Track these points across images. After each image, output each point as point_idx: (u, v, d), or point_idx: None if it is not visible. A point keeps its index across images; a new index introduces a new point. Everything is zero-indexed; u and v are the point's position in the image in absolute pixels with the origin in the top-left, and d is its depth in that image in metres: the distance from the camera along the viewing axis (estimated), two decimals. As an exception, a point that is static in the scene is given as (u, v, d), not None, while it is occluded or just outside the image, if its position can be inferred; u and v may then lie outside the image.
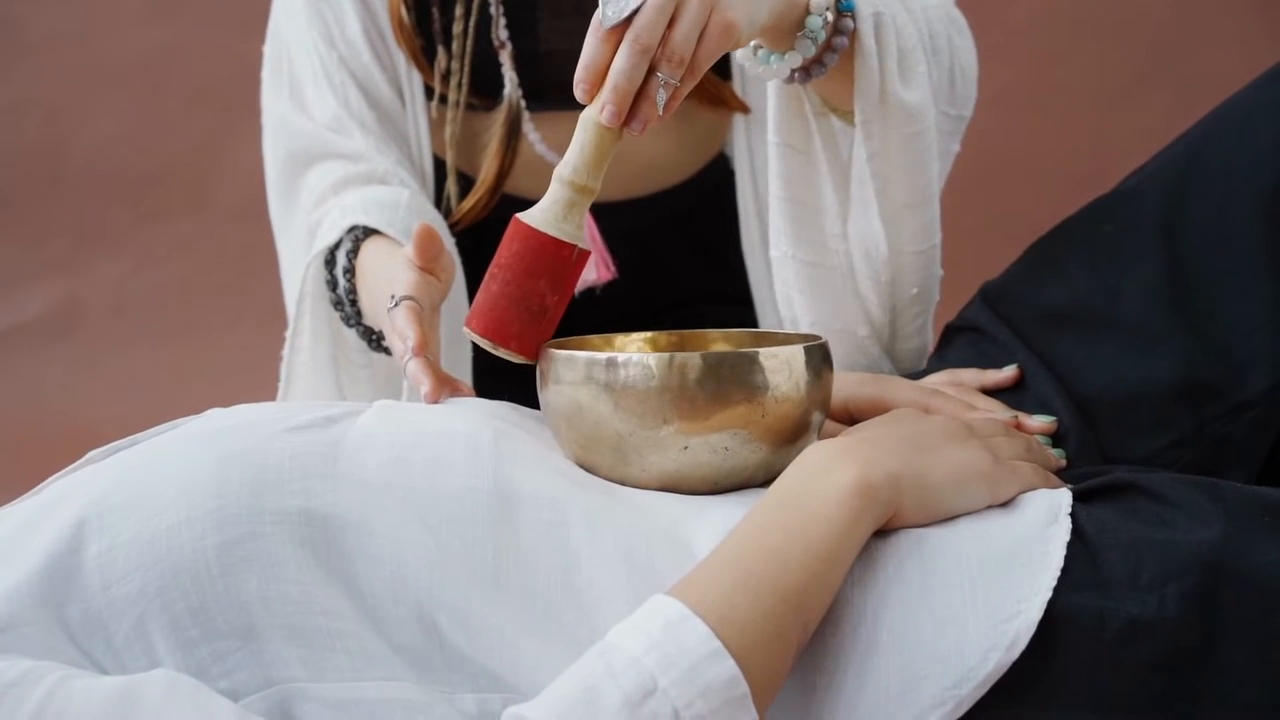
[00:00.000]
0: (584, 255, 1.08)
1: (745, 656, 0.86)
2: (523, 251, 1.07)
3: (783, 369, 1.03)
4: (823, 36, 1.15)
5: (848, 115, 1.25)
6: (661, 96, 1.04)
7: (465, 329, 1.09)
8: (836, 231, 1.31)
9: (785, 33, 1.15)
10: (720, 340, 1.20)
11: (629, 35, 1.02)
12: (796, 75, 1.19)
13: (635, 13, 1.02)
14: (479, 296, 1.09)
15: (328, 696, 0.92)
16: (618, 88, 1.03)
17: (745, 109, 1.58)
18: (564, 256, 1.07)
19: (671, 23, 1.02)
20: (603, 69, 1.04)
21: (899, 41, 1.20)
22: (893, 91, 1.20)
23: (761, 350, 1.02)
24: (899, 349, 1.38)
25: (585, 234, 1.09)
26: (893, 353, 1.38)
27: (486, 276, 1.09)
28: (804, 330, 1.37)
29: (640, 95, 1.04)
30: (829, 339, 1.34)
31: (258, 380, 1.87)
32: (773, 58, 1.17)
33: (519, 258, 1.07)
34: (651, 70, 1.03)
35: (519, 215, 1.08)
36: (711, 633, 0.86)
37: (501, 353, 1.08)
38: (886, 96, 1.20)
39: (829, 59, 1.17)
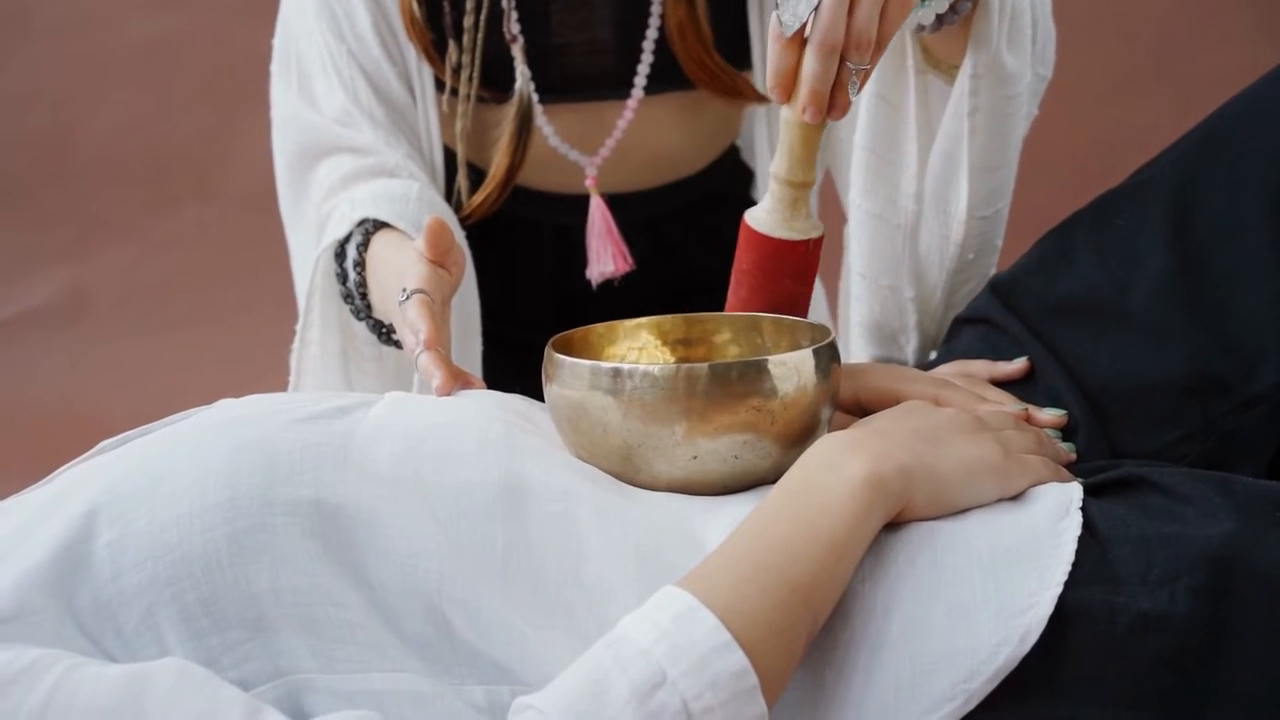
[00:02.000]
0: (818, 242, 1.13)
1: (755, 648, 0.86)
2: (762, 258, 1.13)
3: (791, 375, 1.02)
4: None
5: (948, 72, 1.26)
6: (854, 84, 1.06)
7: None
8: (910, 190, 1.32)
9: None
10: (724, 325, 1.20)
11: (815, 40, 1.04)
12: (929, 24, 1.19)
13: (813, 12, 1.03)
14: (731, 301, 1.16)
15: (337, 688, 0.92)
16: (815, 91, 1.06)
17: (763, 99, 1.58)
18: (800, 253, 1.12)
19: (851, 11, 1.04)
20: (792, 73, 1.07)
21: (1014, 3, 1.21)
22: (1000, 53, 1.21)
23: (770, 358, 1.02)
24: (949, 315, 1.38)
25: (814, 221, 1.13)
26: (940, 320, 1.39)
27: (733, 282, 1.15)
28: (854, 279, 1.39)
29: (835, 87, 1.06)
30: (875, 293, 1.35)
31: (264, 370, 1.88)
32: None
33: (759, 265, 1.13)
34: (841, 59, 1.05)
35: (748, 220, 1.13)
36: (721, 624, 0.86)
37: None
38: (994, 57, 1.21)
39: (962, 7, 1.18)
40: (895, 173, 1.32)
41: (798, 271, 1.13)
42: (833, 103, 1.07)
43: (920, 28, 1.19)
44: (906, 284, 1.35)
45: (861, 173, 1.34)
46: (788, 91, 1.07)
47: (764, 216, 1.12)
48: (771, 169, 1.11)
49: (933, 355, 1.38)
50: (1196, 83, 2.21)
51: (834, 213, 1.56)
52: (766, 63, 1.07)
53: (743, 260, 1.14)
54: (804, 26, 1.04)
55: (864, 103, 1.31)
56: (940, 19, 1.19)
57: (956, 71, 1.23)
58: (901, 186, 1.32)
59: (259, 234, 2.21)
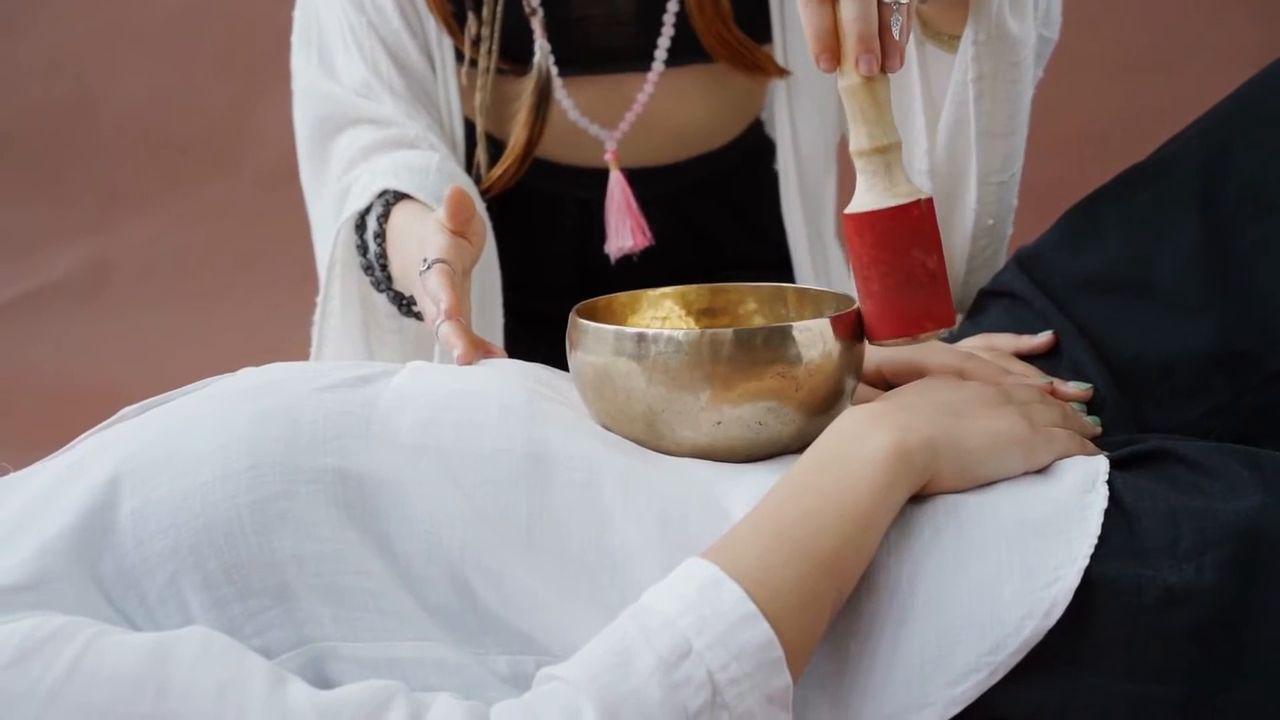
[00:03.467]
0: (929, 203, 1.04)
1: (780, 620, 0.86)
2: (878, 240, 1.03)
3: (816, 341, 1.02)
4: None
5: (949, 42, 1.23)
6: (897, 21, 1.00)
7: (874, 344, 1.06)
8: (923, 167, 1.30)
9: None
10: (749, 296, 1.19)
11: None
12: None
13: None
14: (867, 307, 1.05)
15: (360, 656, 0.92)
16: (864, 36, 1.00)
17: (783, 73, 1.57)
18: (915, 217, 1.03)
19: None
20: (832, 31, 1.01)
21: None
22: (1002, 18, 1.18)
23: (795, 324, 1.01)
24: (970, 280, 1.37)
25: (914, 184, 1.05)
26: (963, 286, 1.37)
27: (859, 283, 1.05)
28: None
29: (879, 34, 1.01)
30: None
31: (284, 343, 1.88)
32: None
33: (878, 247, 1.03)
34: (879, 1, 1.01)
35: (849, 212, 1.05)
36: (746, 596, 0.86)
37: (925, 338, 1.05)
38: (997, 22, 1.19)
39: None
40: (907, 149, 1.30)
41: (921, 239, 1.03)
42: (884, 50, 1.01)
43: None
44: None
45: None
46: (834, 54, 1.01)
47: (864, 197, 1.04)
48: (852, 148, 1.05)
49: (956, 329, 1.37)
50: (1216, 59, 2.20)
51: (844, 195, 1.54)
52: (804, 30, 1.02)
53: (861, 253, 1.04)
54: None
55: None
56: None
57: (957, 41, 1.21)
58: (914, 163, 1.31)
59: (280, 208, 2.21)
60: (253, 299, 2.58)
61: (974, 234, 1.33)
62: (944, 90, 1.26)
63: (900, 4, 1.00)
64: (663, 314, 1.19)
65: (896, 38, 1.01)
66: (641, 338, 1.01)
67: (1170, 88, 2.36)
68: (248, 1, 2.59)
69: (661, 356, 1.00)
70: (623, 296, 1.17)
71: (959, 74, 1.23)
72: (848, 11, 1.00)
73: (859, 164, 1.04)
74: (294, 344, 1.62)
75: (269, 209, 2.49)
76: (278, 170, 2.09)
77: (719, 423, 1.01)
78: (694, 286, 1.20)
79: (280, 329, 2.05)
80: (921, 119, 1.29)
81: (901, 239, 1.03)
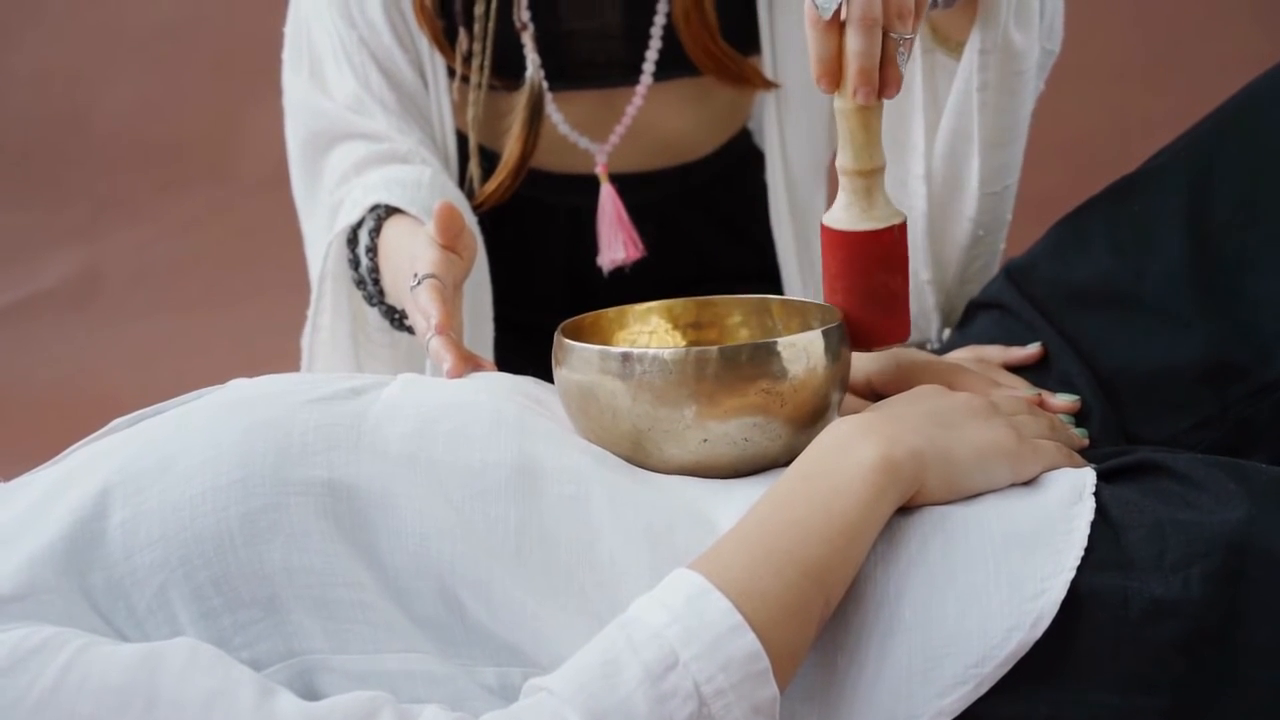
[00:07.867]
0: (903, 228, 1.08)
1: (767, 631, 0.86)
2: (849, 257, 1.08)
3: (800, 356, 1.02)
4: None
5: (955, 50, 1.24)
6: (903, 55, 1.03)
7: None
8: (919, 171, 1.31)
9: None
10: (734, 308, 1.19)
11: (855, 18, 1.01)
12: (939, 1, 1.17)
13: None
14: None
15: (349, 668, 0.92)
16: (864, 69, 1.02)
17: (769, 86, 1.57)
18: (886, 242, 1.08)
19: None
20: (836, 58, 1.03)
21: None
22: (1008, 30, 1.19)
23: (779, 340, 1.02)
24: (964, 291, 1.37)
25: (894, 208, 1.08)
26: (954, 298, 1.38)
27: (826, 288, 1.10)
28: None
29: (883, 62, 1.03)
30: None
31: (276, 353, 1.88)
32: None
33: (848, 265, 1.08)
34: (884, 33, 1.02)
35: (826, 223, 1.09)
36: (733, 607, 0.86)
37: (881, 350, 1.12)
38: (1002, 34, 1.19)
39: None
40: (905, 155, 1.31)
41: (888, 262, 1.08)
42: (884, 79, 1.03)
43: (933, 4, 1.17)
44: (923, 266, 1.35)
45: None
46: (834, 78, 1.03)
47: (841, 214, 1.08)
48: (838, 164, 1.08)
49: (945, 338, 1.38)
50: (1212, 68, 2.20)
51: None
52: (809, 51, 1.04)
53: (830, 264, 1.09)
54: (840, 8, 1.01)
55: None
56: None
57: (963, 49, 1.22)
58: (911, 168, 1.31)
59: (271, 216, 2.21)
60: (244, 307, 2.58)
61: (968, 244, 1.33)
62: (946, 97, 1.27)
63: (906, 39, 1.02)
64: (649, 329, 1.19)
65: (902, 70, 1.03)
66: (626, 357, 1.01)
67: (1164, 98, 2.36)
68: (238, 10, 2.59)
69: (646, 375, 1.00)
70: (610, 313, 1.17)
71: (962, 82, 1.23)
72: (853, 43, 1.01)
73: (842, 180, 1.08)
74: (287, 352, 1.62)
75: (260, 216, 2.49)
76: (269, 178, 2.10)
77: (705, 440, 1.01)
78: (680, 301, 1.20)
79: (273, 337, 2.05)
80: (922, 123, 1.29)
81: (870, 260, 1.08)
